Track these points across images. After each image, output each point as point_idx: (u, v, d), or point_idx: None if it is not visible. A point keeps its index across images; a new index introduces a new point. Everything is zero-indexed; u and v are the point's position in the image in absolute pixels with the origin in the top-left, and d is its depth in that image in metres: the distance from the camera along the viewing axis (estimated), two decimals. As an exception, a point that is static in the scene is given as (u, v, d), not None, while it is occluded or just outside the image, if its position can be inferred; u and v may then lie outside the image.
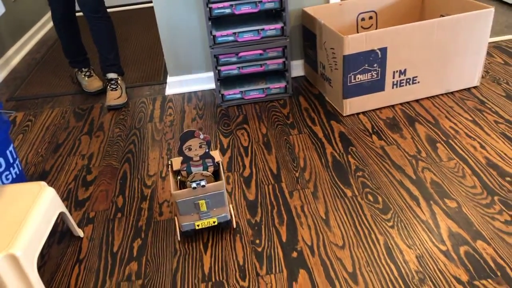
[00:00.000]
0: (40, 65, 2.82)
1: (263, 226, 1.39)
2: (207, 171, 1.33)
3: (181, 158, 1.30)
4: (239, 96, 2.10)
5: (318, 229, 1.36)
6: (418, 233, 1.30)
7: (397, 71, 1.88)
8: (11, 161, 1.53)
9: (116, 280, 1.26)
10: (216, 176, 1.35)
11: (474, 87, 2.02)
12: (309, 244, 1.31)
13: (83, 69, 2.38)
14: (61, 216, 1.37)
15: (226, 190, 1.48)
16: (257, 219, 1.42)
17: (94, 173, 1.73)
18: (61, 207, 1.32)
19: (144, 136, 1.95)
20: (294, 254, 1.28)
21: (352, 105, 1.91)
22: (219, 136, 1.89)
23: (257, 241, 1.34)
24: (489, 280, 1.13)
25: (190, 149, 1.28)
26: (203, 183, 1.26)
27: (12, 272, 1.07)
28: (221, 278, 1.22)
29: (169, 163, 1.37)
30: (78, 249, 1.38)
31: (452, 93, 2.00)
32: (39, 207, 1.20)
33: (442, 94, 2.00)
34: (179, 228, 1.35)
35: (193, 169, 1.32)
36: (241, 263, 1.27)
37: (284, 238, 1.34)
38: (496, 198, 1.39)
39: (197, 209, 1.29)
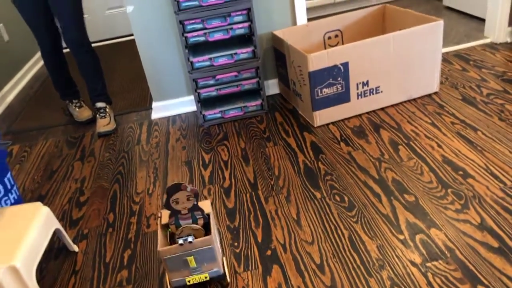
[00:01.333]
0: (34, 99, 2.99)
1: (241, 230, 1.53)
2: (197, 223, 1.29)
3: (169, 211, 1.26)
4: (219, 115, 2.26)
5: (290, 229, 1.50)
6: (379, 225, 1.44)
7: (360, 83, 2.05)
8: (9, 187, 1.67)
9: (109, 286, 1.39)
10: (206, 228, 1.31)
11: (435, 93, 2.19)
12: (282, 242, 1.45)
13: (73, 100, 2.55)
14: (56, 234, 1.51)
15: (220, 240, 1.42)
16: (235, 224, 1.56)
17: (86, 195, 1.87)
18: (56, 224, 1.46)
19: (132, 157, 2.10)
20: (268, 252, 1.42)
21: (322, 117, 2.07)
22: (201, 153, 2.04)
23: (236, 244, 1.48)
24: (440, 261, 1.27)
25: (177, 202, 1.24)
26: (190, 239, 1.21)
27: (13, 283, 1.20)
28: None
29: (159, 215, 1.34)
30: (74, 262, 1.51)
31: (414, 99, 2.17)
32: (35, 224, 1.34)
33: (405, 101, 2.17)
34: (170, 285, 1.28)
35: (182, 222, 1.28)
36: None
37: (259, 239, 1.48)
38: (449, 190, 1.54)
39: (186, 265, 1.24)
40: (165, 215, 1.32)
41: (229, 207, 1.66)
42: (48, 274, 1.48)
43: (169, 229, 1.30)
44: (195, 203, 1.26)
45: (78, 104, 2.55)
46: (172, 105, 2.45)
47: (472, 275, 1.21)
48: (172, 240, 1.31)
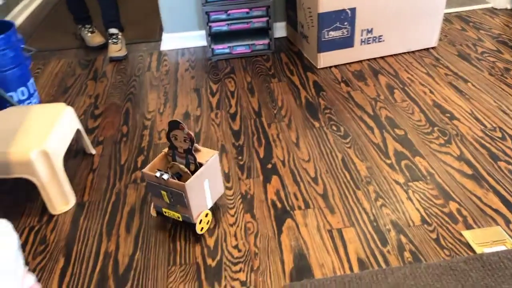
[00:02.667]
0: (45, 22, 3.04)
1: (245, 148, 1.69)
2: (189, 168, 1.31)
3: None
4: (227, 50, 2.37)
5: (289, 149, 1.66)
6: (370, 151, 1.61)
7: (365, 30, 2.17)
8: (32, 92, 1.79)
9: (124, 183, 1.55)
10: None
11: (433, 48, 2.32)
12: (281, 159, 1.61)
13: (86, 25, 2.62)
14: (76, 135, 1.64)
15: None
16: (240, 143, 1.72)
17: (100, 109, 2.00)
18: (78, 124, 1.60)
19: (143, 82, 2.22)
20: (269, 166, 1.58)
21: (325, 59, 2.20)
22: (209, 82, 2.16)
23: (240, 158, 1.63)
24: (420, 182, 1.45)
25: (176, 139, 1.29)
26: (165, 176, 1.23)
27: (44, 165, 1.35)
28: (209, 182, 1.52)
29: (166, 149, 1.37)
30: (91, 162, 1.66)
31: (413, 52, 2.30)
32: (62, 119, 1.48)
33: (404, 53, 2.30)
34: (153, 203, 1.35)
35: (177, 159, 1.32)
36: (226, 171, 1.57)
37: (261, 155, 1.64)
38: (435, 128, 1.71)
39: (161, 197, 1.28)
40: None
41: (234, 129, 1.80)
42: (68, 170, 1.62)
43: (169, 156, 1.35)
44: (190, 147, 1.28)
45: (90, 30, 2.62)
46: (182, 38, 2.54)
47: (446, 193, 1.39)
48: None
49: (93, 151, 1.71)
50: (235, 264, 1.22)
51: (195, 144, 1.30)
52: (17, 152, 1.32)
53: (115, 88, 2.17)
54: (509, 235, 1.23)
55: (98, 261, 1.26)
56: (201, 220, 1.29)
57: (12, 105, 1.63)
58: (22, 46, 1.74)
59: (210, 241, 1.29)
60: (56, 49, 2.64)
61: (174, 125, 1.27)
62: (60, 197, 1.42)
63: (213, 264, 1.22)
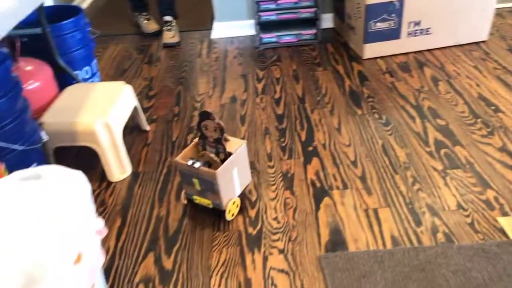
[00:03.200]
0: (104, 10, 3.24)
1: (287, 131, 1.77)
2: (218, 156, 1.35)
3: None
4: (274, 39, 2.45)
5: (330, 134, 1.72)
6: (410, 139, 1.65)
7: (412, 22, 2.18)
8: (95, 71, 1.96)
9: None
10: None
11: (482, 41, 2.30)
12: (322, 142, 1.68)
13: (143, 13, 2.78)
14: (132, 113, 1.78)
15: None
16: (283, 126, 1.80)
17: (155, 90, 2.14)
18: (135, 102, 1.74)
19: (194, 67, 2.34)
20: (310, 148, 1.65)
21: (371, 50, 2.23)
22: (255, 69, 2.26)
23: (282, 140, 1.72)
24: (459, 170, 1.48)
25: (206, 128, 1.32)
26: (197, 164, 1.29)
27: (106, 135, 1.49)
28: (253, 159, 1.62)
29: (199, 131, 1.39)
30: (145, 138, 1.80)
31: (461, 45, 2.29)
32: (122, 96, 1.62)
33: (452, 46, 2.29)
34: (184, 191, 1.40)
35: (208, 148, 1.36)
36: (268, 151, 1.66)
37: (303, 138, 1.71)
38: (479, 120, 1.71)
39: (193, 185, 1.33)
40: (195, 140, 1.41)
41: (278, 113, 1.89)
42: (125, 143, 1.76)
43: (200, 146, 1.39)
44: (220, 137, 1.31)
45: (146, 17, 2.78)
46: (232, 27, 2.65)
47: (484, 182, 1.42)
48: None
49: (148, 128, 1.85)
50: (274, 233, 1.31)
51: (225, 134, 1.32)
52: (83, 123, 1.47)
53: (168, 72, 2.31)
54: (546, 224, 1.25)
55: (151, 223, 1.39)
56: (230, 208, 1.34)
57: (77, 82, 1.80)
58: (88, 29, 1.90)
59: (252, 213, 1.39)
60: (114, 35, 2.82)
61: (205, 115, 1.30)
62: (118, 166, 1.56)
63: (254, 232, 1.32)
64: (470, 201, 1.35)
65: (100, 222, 0.89)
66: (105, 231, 0.90)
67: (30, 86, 1.54)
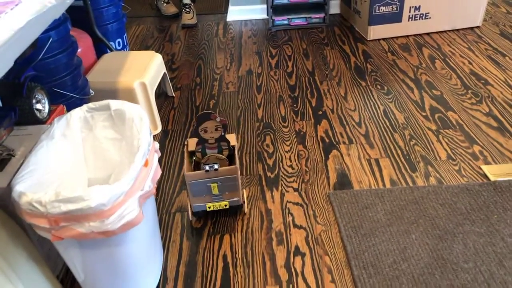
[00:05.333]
0: (124, -5, 3.45)
1: (299, 98, 1.98)
2: (222, 154, 1.33)
3: (196, 139, 1.30)
4: (286, 22, 2.66)
5: (338, 100, 1.94)
6: (408, 106, 1.86)
7: (413, 7, 2.39)
8: (125, 43, 2.16)
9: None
10: (231, 160, 1.35)
11: (477, 27, 2.51)
12: (330, 107, 1.89)
13: None
14: (162, 78, 1.99)
15: (240, 173, 1.40)
16: (295, 95, 2.01)
17: (177, 64, 2.36)
18: (164, 69, 1.95)
19: (212, 45, 2.55)
20: (320, 112, 1.87)
21: (375, 32, 2.44)
22: (269, 47, 2.47)
23: (295, 105, 1.93)
24: (450, 130, 1.69)
25: (205, 131, 1.28)
26: (216, 166, 1.24)
27: (142, 93, 1.70)
28: (269, 121, 1.83)
29: (185, 143, 1.37)
30: (172, 102, 2.01)
31: (457, 29, 2.50)
32: (154, 62, 1.83)
33: (449, 30, 2.50)
34: (191, 208, 1.35)
35: (208, 151, 1.32)
36: (282, 114, 1.87)
37: (313, 104, 1.92)
38: (470, 91, 1.93)
39: (209, 191, 1.29)
40: (191, 143, 1.35)
41: (291, 84, 2.10)
42: (153, 107, 1.98)
43: (194, 157, 1.34)
44: (223, 133, 1.29)
45: (166, 0, 2.99)
46: (246, 11, 2.86)
47: (471, 139, 1.63)
48: (196, 168, 1.34)
49: (173, 94, 2.06)
50: (290, 177, 1.52)
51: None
52: (123, 82, 1.68)
53: (188, 49, 2.52)
54: (522, 171, 1.46)
55: (182, 168, 1.60)
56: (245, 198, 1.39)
57: (111, 50, 2.00)
58: (121, 5, 2.11)
59: (270, 161, 1.60)
60: (135, 16, 3.03)
61: (204, 117, 1.26)
62: (151, 123, 1.77)
63: (272, 176, 1.53)
64: (458, 153, 1.57)
65: (156, 144, 1.11)
66: (159, 153, 1.11)
67: (75, 50, 1.75)
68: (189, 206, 1.36)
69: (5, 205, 0.98)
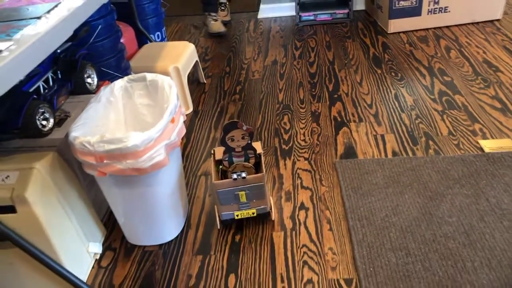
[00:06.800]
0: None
1: (317, 84, 2.16)
2: (249, 162, 1.35)
3: (223, 148, 1.32)
4: (312, 17, 2.85)
5: (353, 86, 2.10)
6: (418, 90, 2.00)
7: (432, 1, 2.52)
8: (164, 37, 2.43)
9: (226, 101, 2.11)
10: (257, 168, 1.37)
11: (497, 20, 2.60)
12: (346, 92, 2.06)
13: (211, 13, 3.12)
14: (193, 69, 2.23)
15: (265, 182, 1.32)
16: (314, 81, 2.19)
17: (210, 55, 2.60)
18: (196, 57, 2.19)
19: (242, 39, 2.78)
20: (335, 96, 2.04)
21: (395, 25, 2.58)
22: (294, 41, 2.66)
23: (313, 90, 2.12)
24: (455, 111, 1.82)
25: (232, 140, 1.29)
26: (243, 174, 1.26)
27: (176, 77, 1.95)
28: (288, 103, 2.02)
29: (212, 152, 1.40)
30: (203, 88, 2.25)
31: (477, 22, 2.60)
32: (187, 50, 2.07)
33: (468, 23, 2.60)
34: (219, 217, 1.36)
35: (235, 160, 1.34)
36: (301, 97, 2.06)
37: (330, 89, 2.10)
38: (479, 77, 2.04)
39: (237, 200, 1.30)
40: (218, 152, 1.37)
41: (311, 72, 2.29)
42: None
43: (221, 166, 1.37)
44: (249, 142, 1.31)
45: (215, 18, 3.07)
46: (276, 9, 3.07)
47: (474, 118, 1.76)
48: (223, 176, 1.37)
49: (205, 81, 2.30)
50: (302, 148, 1.71)
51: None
52: (160, 66, 1.93)
53: (220, 43, 2.76)
54: (518, 146, 1.58)
55: (209, 141, 1.83)
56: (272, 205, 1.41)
57: (151, 41, 2.27)
58: (161, 1, 2.38)
59: (285, 136, 1.80)
60: (175, 15, 3.31)
61: (230, 126, 1.28)
62: (183, 103, 2.02)
63: (286, 148, 1.73)
64: (459, 130, 1.70)
65: (182, 109, 1.33)
66: (185, 115, 1.34)
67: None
68: (217, 215, 1.37)
69: (62, 153, 1.23)
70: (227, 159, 1.34)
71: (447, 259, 1.18)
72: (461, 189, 1.40)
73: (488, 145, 1.59)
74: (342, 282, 1.18)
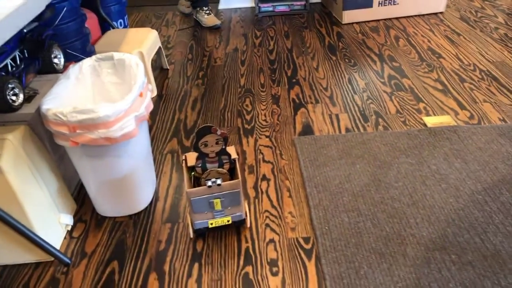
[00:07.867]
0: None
1: (277, 70, 2.28)
2: (223, 168, 1.30)
3: (195, 153, 1.27)
4: (271, 9, 2.96)
5: (310, 71, 2.23)
6: (369, 74, 2.16)
7: (382, -7, 2.69)
8: (126, 24, 2.47)
9: (189, 86, 2.18)
10: (232, 173, 1.33)
11: (440, 12, 2.81)
12: (303, 77, 2.19)
13: (204, 7, 3.16)
14: (155, 56, 2.29)
15: (242, 186, 1.39)
16: (274, 67, 2.31)
17: (172, 43, 2.66)
18: (159, 43, 2.25)
19: (204, 28, 2.85)
20: (293, 80, 2.16)
21: (349, 16, 2.74)
22: (254, 30, 2.77)
23: (273, 75, 2.23)
24: (403, 92, 1.99)
25: (206, 145, 1.24)
26: (219, 181, 1.21)
27: (140, 60, 2.00)
28: (250, 87, 2.12)
29: (183, 158, 1.33)
30: (167, 73, 2.31)
31: (423, 15, 2.80)
32: (150, 36, 2.13)
33: (415, 15, 2.80)
34: (192, 226, 1.31)
35: (208, 166, 1.29)
36: (261, 82, 2.17)
37: (289, 74, 2.22)
38: (424, 63, 2.23)
39: (211, 208, 1.25)
40: (190, 158, 1.32)
41: (271, 58, 2.40)
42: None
43: (193, 173, 1.32)
44: (224, 147, 1.26)
45: (207, 12, 3.00)
46: (236, 0, 3.16)
47: (419, 98, 1.93)
48: (196, 183, 1.33)
49: (168, 67, 2.36)
50: (263, 127, 1.82)
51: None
52: (124, 51, 1.98)
53: (182, 32, 2.82)
54: (454, 120, 1.76)
55: (174, 122, 1.90)
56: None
57: (114, 28, 2.31)
58: (123, -11, 2.41)
59: (248, 117, 1.90)
60: (135, 6, 3.33)
61: (204, 131, 1.23)
62: (147, 87, 2.07)
63: (249, 127, 1.83)
64: (406, 109, 1.86)
65: (149, 85, 1.40)
66: (151, 91, 1.41)
67: (83, 25, 2.05)
68: (189, 223, 1.32)
69: (33, 127, 1.28)
70: (200, 165, 1.29)
71: (393, 217, 1.32)
72: (407, 158, 1.55)
73: (431, 121, 1.76)
74: (301, 240, 1.29)
